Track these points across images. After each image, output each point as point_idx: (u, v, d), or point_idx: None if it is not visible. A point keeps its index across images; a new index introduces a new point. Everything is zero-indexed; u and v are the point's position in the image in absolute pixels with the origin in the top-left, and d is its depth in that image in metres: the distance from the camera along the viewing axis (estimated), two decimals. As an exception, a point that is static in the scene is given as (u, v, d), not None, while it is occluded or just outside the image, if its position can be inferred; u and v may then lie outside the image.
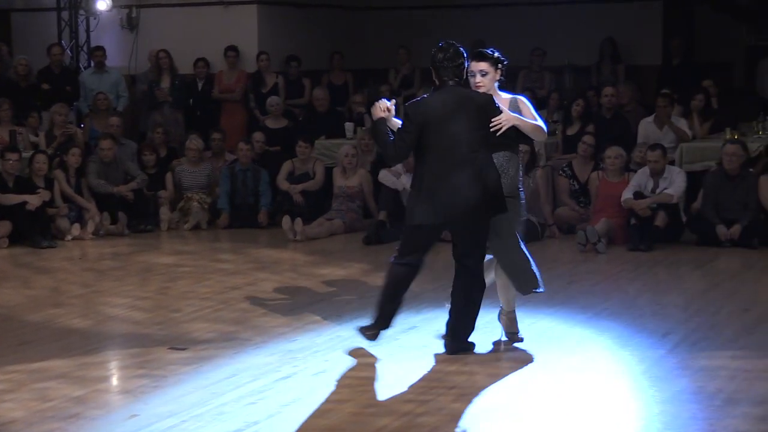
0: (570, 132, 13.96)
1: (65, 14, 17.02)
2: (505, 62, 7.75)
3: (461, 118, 7.45)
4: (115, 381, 7.48)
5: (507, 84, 15.87)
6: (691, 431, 6.10)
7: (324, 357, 7.64)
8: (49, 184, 12.90)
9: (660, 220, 11.82)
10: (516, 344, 7.91)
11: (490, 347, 7.84)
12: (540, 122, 7.77)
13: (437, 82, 7.60)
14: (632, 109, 14.51)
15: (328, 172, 13.81)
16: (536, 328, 8.34)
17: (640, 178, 12.15)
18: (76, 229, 12.80)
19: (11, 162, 12.58)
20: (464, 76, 7.58)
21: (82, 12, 16.98)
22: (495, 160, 7.60)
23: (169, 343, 8.04)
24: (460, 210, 7.45)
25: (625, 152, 12.56)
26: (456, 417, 6.38)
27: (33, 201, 12.42)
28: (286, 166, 13.91)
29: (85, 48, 17.03)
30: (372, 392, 6.92)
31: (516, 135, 7.65)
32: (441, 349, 7.70)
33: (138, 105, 16.24)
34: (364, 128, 14.33)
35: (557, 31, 17.05)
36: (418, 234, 7.63)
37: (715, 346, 7.82)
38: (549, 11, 17.40)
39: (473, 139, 7.46)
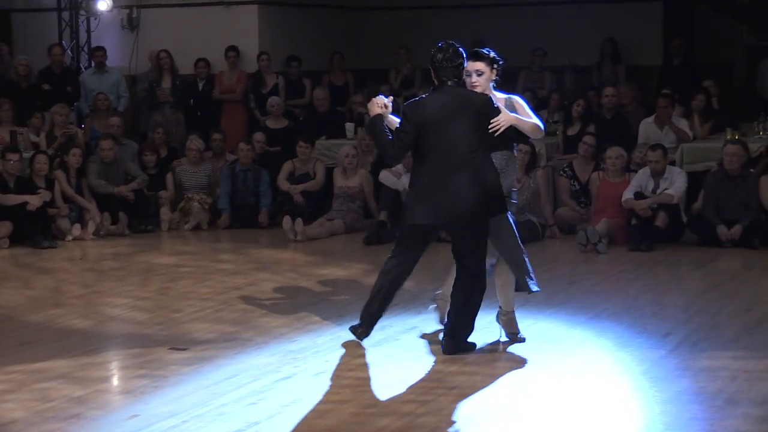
0: (570, 132, 13.96)
1: (66, 14, 17.02)
2: (500, 62, 7.77)
3: (460, 119, 7.46)
4: (115, 381, 7.48)
5: (508, 84, 15.91)
6: (692, 432, 6.12)
7: (324, 357, 7.64)
8: (50, 185, 12.90)
9: (661, 220, 11.82)
10: (517, 345, 7.90)
11: (490, 348, 7.83)
12: (537, 121, 7.78)
13: (436, 83, 7.61)
14: (633, 110, 14.51)
15: (329, 172, 13.81)
16: (536, 328, 8.34)
17: (641, 179, 12.14)
18: (76, 230, 12.80)
19: (12, 162, 12.59)
20: (462, 76, 7.59)
21: (82, 12, 16.98)
22: (494, 160, 7.61)
23: (169, 344, 8.04)
24: (460, 211, 7.46)
25: (626, 152, 12.56)
26: (456, 417, 6.39)
27: (34, 201, 12.42)
28: (287, 167, 13.92)
29: (85, 48, 17.03)
30: (372, 392, 6.92)
31: (515, 135, 7.66)
32: (441, 350, 7.69)
33: (138, 105, 16.24)
34: (364, 128, 14.32)
35: (558, 32, 17.05)
36: (415, 233, 7.65)
37: (716, 346, 7.82)
38: (549, 11, 17.39)
39: (472, 140, 7.47)
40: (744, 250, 11.57)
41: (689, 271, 10.83)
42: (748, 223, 11.71)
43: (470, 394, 6.81)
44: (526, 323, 8.28)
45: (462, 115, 7.47)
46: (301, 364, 7.47)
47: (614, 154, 12.39)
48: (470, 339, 7.75)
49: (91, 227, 12.91)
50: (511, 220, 7.72)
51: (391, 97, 7.87)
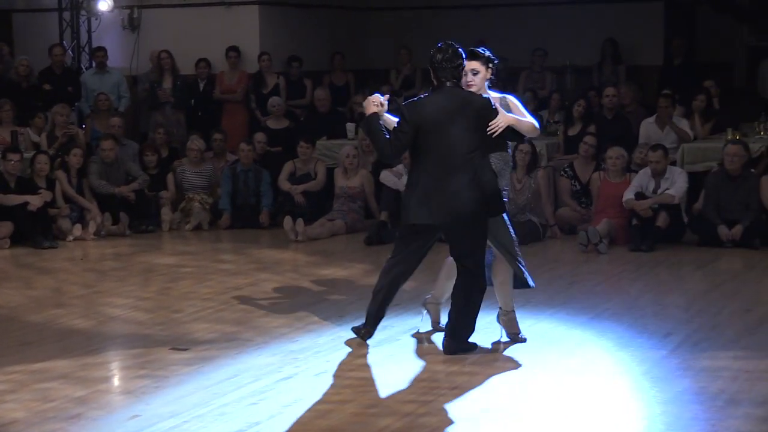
0: (571, 132, 13.96)
1: (67, 15, 17.03)
2: (496, 61, 7.81)
3: (460, 120, 7.46)
4: (116, 381, 7.48)
5: (509, 84, 15.96)
6: (692, 432, 6.12)
7: (325, 357, 7.64)
8: (51, 185, 12.90)
9: (661, 220, 11.82)
10: (518, 345, 7.90)
11: (490, 348, 7.83)
12: (532, 120, 7.83)
13: (435, 83, 7.62)
14: (633, 110, 14.51)
15: (330, 172, 13.81)
16: (537, 328, 8.34)
17: (642, 179, 12.14)
18: (77, 230, 12.81)
19: (13, 162, 12.59)
20: (462, 77, 7.60)
21: (83, 12, 16.99)
22: (492, 161, 7.62)
23: (170, 344, 8.04)
24: (459, 212, 7.47)
25: (627, 153, 12.56)
26: (457, 418, 6.39)
27: (34, 201, 12.42)
28: (288, 167, 13.92)
29: (86, 48, 17.03)
30: (373, 393, 6.92)
31: (512, 135, 7.69)
32: (442, 350, 7.70)
33: (139, 105, 16.24)
34: (360, 127, 14.30)
35: (558, 32, 17.05)
36: (414, 233, 7.66)
37: (716, 346, 7.82)
38: (550, 12, 17.39)
39: (471, 141, 7.48)
40: (745, 251, 11.57)
41: (690, 272, 10.83)
42: (749, 223, 11.71)
43: (471, 395, 6.82)
44: (526, 323, 8.28)
45: (461, 116, 7.47)
46: (302, 364, 7.47)
47: (615, 154, 12.40)
48: (471, 339, 7.75)
49: (92, 227, 12.92)
50: (506, 218, 7.73)
51: (387, 96, 7.88)
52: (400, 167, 12.54)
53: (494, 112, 7.52)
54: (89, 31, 17.07)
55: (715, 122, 13.85)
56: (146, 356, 7.75)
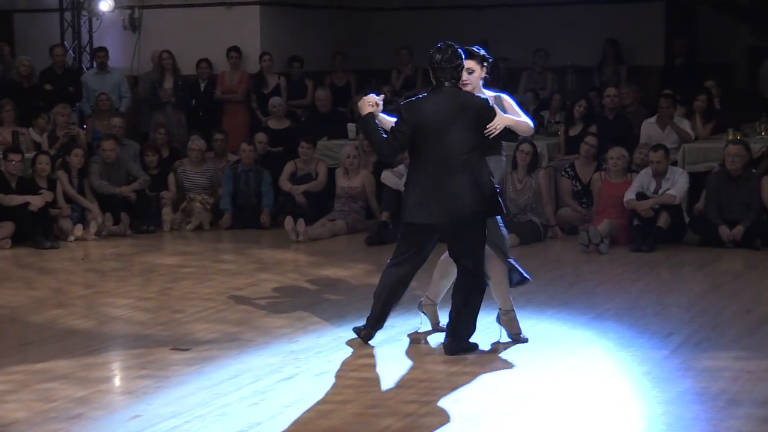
0: (572, 133, 13.95)
1: (68, 15, 17.03)
2: (491, 60, 7.85)
3: (459, 121, 7.48)
4: (117, 382, 7.48)
5: (510, 84, 15.97)
6: (694, 432, 6.12)
7: (326, 358, 7.64)
8: (52, 185, 12.90)
9: (662, 220, 11.81)
10: (519, 345, 7.90)
11: (491, 348, 7.83)
12: (527, 119, 7.88)
13: (434, 83, 7.63)
14: (635, 110, 14.50)
15: (331, 172, 13.81)
16: (538, 328, 8.34)
17: (643, 179, 12.14)
18: (78, 230, 12.80)
19: (14, 163, 12.59)
20: (461, 77, 7.62)
21: (84, 13, 16.99)
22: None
23: (171, 344, 8.04)
24: (459, 212, 7.47)
25: (628, 153, 12.56)
26: (458, 418, 6.39)
27: (36, 202, 12.42)
28: (289, 167, 13.92)
29: (87, 49, 17.03)
30: (374, 393, 6.92)
31: (507, 134, 7.72)
32: (442, 350, 7.70)
33: (140, 106, 16.24)
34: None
35: (560, 32, 17.05)
36: (414, 233, 7.66)
37: (718, 346, 7.82)
38: (551, 12, 17.39)
39: (470, 142, 7.49)
40: (746, 251, 11.57)
41: (691, 272, 10.83)
42: (750, 223, 11.70)
43: (472, 395, 6.82)
44: (528, 323, 8.28)
45: (460, 116, 7.48)
46: (303, 365, 7.47)
47: (616, 154, 12.39)
48: (471, 339, 7.75)
49: (93, 228, 12.92)
50: (497, 217, 7.75)
51: (382, 95, 7.89)
52: (401, 167, 12.54)
53: (493, 114, 7.54)
54: (90, 32, 17.07)
55: (716, 122, 13.85)
56: (147, 356, 7.75)
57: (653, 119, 13.66)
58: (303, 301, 9.51)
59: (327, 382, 7.12)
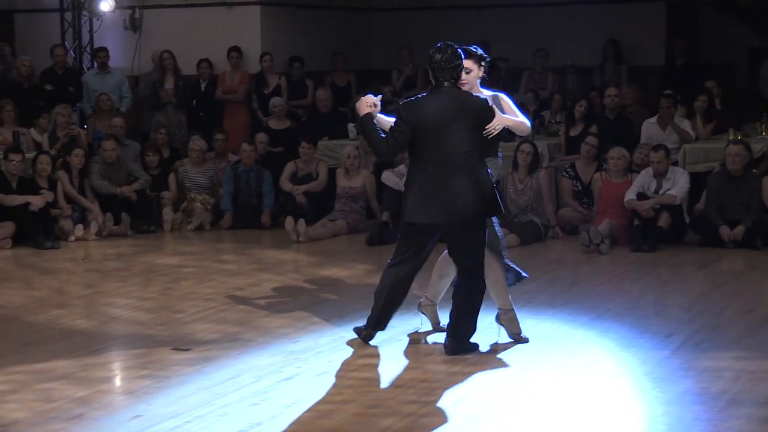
0: (573, 133, 13.95)
1: (68, 15, 17.03)
2: (488, 59, 7.87)
3: (458, 121, 7.48)
4: (118, 382, 7.48)
5: (511, 85, 15.94)
6: (694, 432, 6.12)
7: (327, 358, 7.64)
8: (53, 185, 12.90)
9: (663, 221, 11.81)
10: (520, 345, 7.90)
11: (491, 348, 7.83)
12: (524, 119, 7.92)
13: (433, 82, 7.64)
14: (635, 110, 14.50)
15: (331, 172, 13.81)
16: (539, 329, 8.34)
17: (644, 179, 12.14)
18: (79, 230, 12.80)
19: (14, 163, 12.59)
20: (460, 77, 7.63)
21: (85, 13, 16.98)
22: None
23: (172, 344, 8.04)
24: (459, 212, 7.48)
25: (628, 153, 12.56)
26: (459, 418, 6.39)
27: (36, 202, 12.42)
28: (289, 167, 13.92)
29: (88, 49, 17.03)
30: (375, 393, 6.92)
31: (506, 134, 7.74)
32: (443, 350, 7.70)
33: (141, 106, 16.24)
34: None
35: (560, 32, 17.05)
36: (414, 233, 7.66)
37: (718, 347, 7.82)
38: (552, 12, 17.38)
39: (470, 142, 7.50)
40: (747, 251, 11.57)
41: (692, 272, 10.83)
42: (751, 223, 11.70)
43: (472, 395, 6.82)
44: (528, 323, 8.28)
45: (460, 117, 7.49)
46: (304, 365, 7.47)
47: (616, 154, 12.39)
48: (472, 339, 7.75)
49: (93, 228, 12.92)
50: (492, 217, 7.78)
51: (380, 96, 7.90)
52: (402, 167, 12.53)
53: (492, 114, 7.56)
54: (91, 32, 17.07)
55: (717, 123, 13.84)
56: (148, 356, 7.75)
57: (654, 119, 13.66)
58: (303, 301, 9.51)
59: (327, 382, 7.12)
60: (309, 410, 6.53)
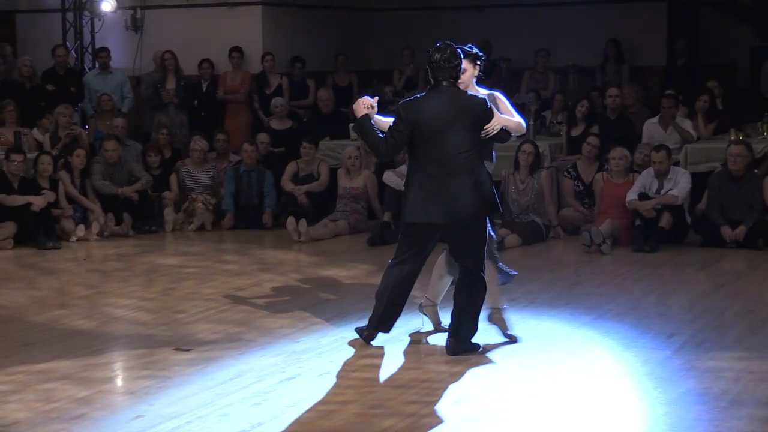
0: (574, 133, 13.95)
1: (70, 15, 17.03)
2: (483, 58, 7.90)
3: (458, 121, 7.49)
4: (119, 382, 7.48)
5: (511, 84, 15.92)
6: (696, 432, 6.12)
7: (328, 358, 7.64)
8: (54, 185, 12.90)
9: (665, 221, 11.81)
10: (522, 345, 7.90)
11: (493, 348, 7.82)
12: (520, 119, 7.95)
13: (432, 82, 7.65)
14: (637, 110, 14.50)
15: (333, 173, 13.80)
16: (541, 329, 8.34)
17: (645, 179, 12.14)
18: (80, 230, 12.81)
19: (16, 163, 12.59)
20: (459, 77, 7.64)
21: (86, 13, 16.99)
22: None
23: (173, 344, 8.04)
24: (460, 214, 7.48)
25: (630, 153, 12.56)
26: (460, 418, 6.39)
27: (38, 202, 12.42)
28: (291, 167, 13.92)
29: (89, 49, 17.04)
30: (376, 393, 6.92)
31: (504, 134, 7.75)
32: (445, 351, 7.70)
33: (142, 106, 16.24)
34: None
35: (562, 32, 17.06)
36: (414, 232, 7.66)
37: (720, 347, 7.82)
38: (553, 12, 17.39)
39: (470, 142, 7.50)
40: (748, 251, 11.56)
41: (693, 272, 10.82)
42: (753, 223, 11.70)
43: (474, 395, 6.82)
44: (530, 324, 8.28)
45: (460, 117, 7.50)
46: (305, 365, 7.47)
47: (618, 154, 12.39)
48: (474, 340, 7.75)
49: (95, 228, 12.92)
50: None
51: (377, 98, 7.91)
52: (403, 168, 12.52)
53: (491, 114, 7.58)
54: (92, 32, 17.08)
55: (719, 123, 13.84)
56: (149, 357, 7.75)
57: (655, 119, 13.65)
58: (305, 301, 9.51)
59: (329, 382, 7.12)
60: (310, 410, 6.54)
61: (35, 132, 14.41)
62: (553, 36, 16.95)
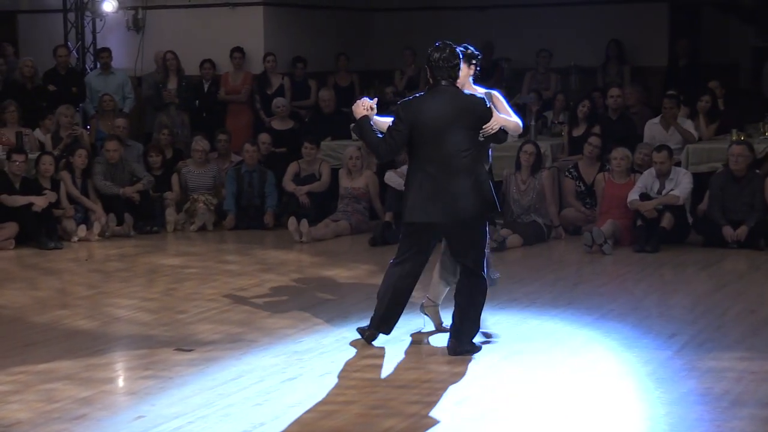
0: (576, 133, 13.94)
1: (71, 16, 17.03)
2: (479, 56, 7.91)
3: (458, 121, 7.50)
4: (121, 382, 7.48)
5: (513, 85, 15.90)
6: (697, 433, 6.12)
7: (330, 358, 7.64)
8: (56, 186, 12.91)
9: (666, 221, 11.80)
10: (523, 345, 7.89)
11: (494, 349, 7.82)
12: (517, 119, 7.96)
13: (431, 81, 7.66)
14: (638, 111, 14.49)
15: (334, 173, 13.80)
16: (542, 329, 8.34)
17: (646, 180, 12.13)
18: (82, 231, 12.81)
19: (17, 163, 12.59)
20: (458, 77, 7.65)
21: (88, 13, 17.00)
22: None
23: (175, 345, 8.05)
24: (461, 214, 7.49)
25: (631, 153, 12.55)
26: (461, 418, 6.39)
27: (39, 202, 12.43)
28: (292, 168, 13.92)
29: (91, 49, 17.05)
30: (378, 393, 6.91)
31: (502, 134, 7.76)
32: (446, 351, 7.70)
33: (144, 106, 16.25)
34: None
35: (563, 33, 17.04)
36: (414, 232, 7.67)
37: (721, 347, 7.81)
38: (555, 13, 17.38)
39: (470, 142, 7.51)
40: (750, 251, 11.56)
41: (695, 272, 10.82)
42: (754, 223, 11.69)
43: (475, 395, 6.82)
44: (532, 324, 8.29)
45: (459, 116, 7.51)
46: (307, 365, 7.47)
47: (619, 155, 12.38)
48: (475, 340, 7.75)
49: (96, 228, 12.93)
50: None
51: (376, 99, 7.92)
52: (404, 168, 12.51)
53: (490, 113, 7.59)
54: (94, 32, 17.08)
55: (720, 123, 13.83)
56: (151, 357, 7.75)
57: (657, 120, 13.65)
58: (306, 301, 9.51)
59: (330, 382, 7.12)
60: (312, 410, 6.54)
61: (37, 132, 14.41)
62: (555, 36, 16.94)
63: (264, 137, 14.52)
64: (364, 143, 8.11)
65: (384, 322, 7.89)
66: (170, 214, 13.61)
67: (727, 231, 11.71)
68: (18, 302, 9.72)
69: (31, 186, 12.66)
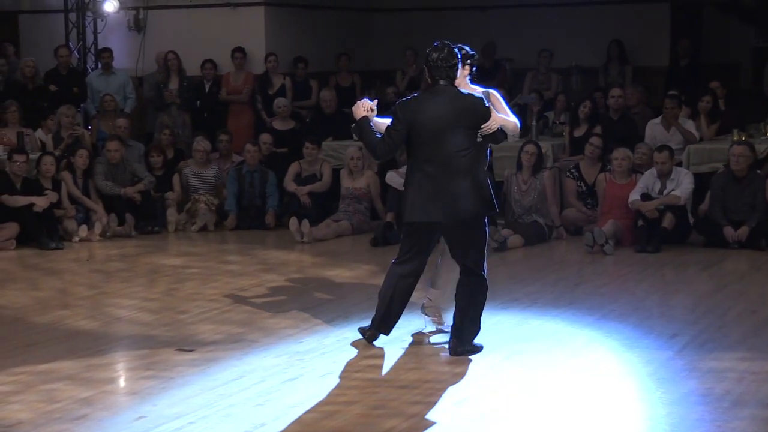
0: (577, 133, 13.94)
1: (73, 16, 17.04)
2: (475, 56, 7.93)
3: (457, 121, 7.50)
4: (122, 382, 7.49)
5: (514, 85, 15.90)
6: (698, 433, 6.11)
7: (331, 358, 7.64)
8: (57, 186, 12.91)
9: (667, 221, 11.80)
10: (524, 345, 7.90)
11: (495, 349, 7.82)
12: (515, 119, 7.95)
13: (429, 81, 7.66)
14: (639, 111, 14.49)
15: (336, 173, 13.81)
16: (544, 329, 8.34)
17: (648, 180, 12.13)
18: (83, 231, 12.82)
19: (18, 164, 12.60)
20: (456, 76, 7.66)
21: (89, 14, 17.01)
22: None
23: (176, 345, 8.05)
24: (461, 213, 7.49)
25: (633, 154, 12.55)
26: (463, 418, 6.39)
27: (40, 202, 12.43)
28: (294, 168, 13.92)
29: (92, 50, 17.05)
30: (379, 394, 6.91)
31: (500, 134, 7.77)
32: (447, 351, 7.69)
33: (145, 106, 16.25)
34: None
35: (564, 33, 17.05)
36: (414, 232, 7.67)
37: (722, 347, 7.81)
38: (556, 13, 17.38)
39: (468, 142, 7.51)
40: (751, 252, 11.56)
41: (696, 273, 10.82)
42: (755, 224, 11.69)
43: (477, 395, 6.82)
44: (533, 324, 8.28)
45: (458, 116, 7.51)
46: (308, 365, 7.47)
47: (621, 155, 12.38)
48: (476, 340, 7.75)
49: (97, 228, 12.93)
50: None
51: (376, 100, 7.92)
52: (405, 168, 12.51)
53: (489, 113, 7.59)
54: (95, 32, 17.09)
55: (721, 123, 13.83)
56: (152, 357, 7.75)
57: (658, 120, 13.65)
58: (307, 301, 9.51)
59: (332, 382, 7.12)
60: (313, 411, 6.54)
61: (38, 132, 14.41)
62: (556, 36, 16.95)
63: (265, 137, 14.52)
64: (363, 143, 8.11)
65: (384, 322, 7.89)
66: (171, 215, 13.62)
67: (729, 231, 11.71)
68: (19, 302, 9.72)
69: (33, 186, 12.66)
